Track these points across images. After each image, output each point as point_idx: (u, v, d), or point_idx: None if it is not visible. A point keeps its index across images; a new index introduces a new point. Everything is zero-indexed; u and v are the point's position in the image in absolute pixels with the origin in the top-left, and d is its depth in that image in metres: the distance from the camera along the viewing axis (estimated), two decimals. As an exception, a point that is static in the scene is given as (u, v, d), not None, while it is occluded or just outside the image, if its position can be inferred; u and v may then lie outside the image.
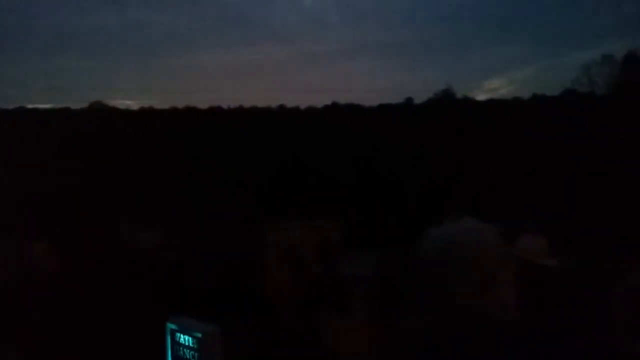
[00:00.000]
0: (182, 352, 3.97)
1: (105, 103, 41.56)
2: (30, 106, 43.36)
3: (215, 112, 42.79)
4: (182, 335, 4.00)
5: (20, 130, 27.83)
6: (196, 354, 3.86)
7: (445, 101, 35.00)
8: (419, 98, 41.69)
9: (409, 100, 40.54)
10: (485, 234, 1.38)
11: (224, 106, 44.24)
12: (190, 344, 3.91)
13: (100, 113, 38.31)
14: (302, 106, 43.13)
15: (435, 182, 17.30)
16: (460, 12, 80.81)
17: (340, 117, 34.82)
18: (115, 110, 41.82)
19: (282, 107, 43.30)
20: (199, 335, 3.89)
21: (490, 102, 41.24)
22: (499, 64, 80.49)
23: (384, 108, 38.52)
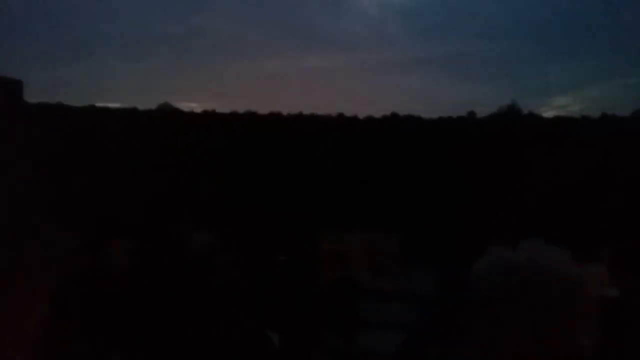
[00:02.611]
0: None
1: (171, 105, 42.89)
2: (99, 104, 45.24)
3: (274, 118, 43.38)
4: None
5: (89, 127, 29.14)
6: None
7: (510, 116, 34.15)
8: (482, 112, 40.70)
9: (471, 114, 39.76)
10: (558, 260, 1.27)
11: (284, 112, 44.76)
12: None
13: (167, 114, 39.58)
14: (361, 115, 43.05)
15: (496, 199, 16.86)
16: (528, 26, 78.74)
17: (399, 128, 34.61)
18: (179, 112, 43.10)
19: (340, 116, 43.36)
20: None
21: (557, 120, 39.90)
22: (568, 80, 77.75)
23: (444, 121, 37.94)
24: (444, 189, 19.51)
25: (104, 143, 24.62)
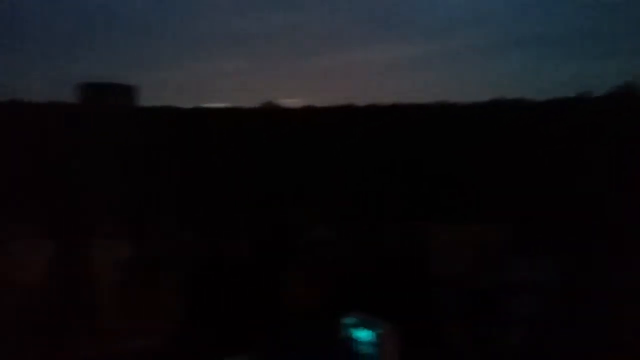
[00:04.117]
0: (358, 347, 4.00)
1: (275, 103, 43.86)
2: (205, 105, 47.32)
3: (373, 109, 43.09)
4: (359, 331, 4.03)
5: (198, 127, 30.64)
6: (375, 350, 3.88)
7: (627, 95, 31.50)
8: (595, 92, 37.88)
9: (583, 94, 37.13)
10: None
11: (383, 103, 44.26)
12: (369, 340, 3.94)
13: (270, 112, 40.64)
14: (463, 102, 41.57)
15: (617, 183, 15.63)
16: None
17: (506, 113, 33.03)
18: (280, 109, 44.00)
19: (442, 104, 42.20)
20: (379, 331, 3.89)
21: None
22: (693, 51, 70.44)
23: (554, 103, 35.67)
24: (558, 175, 18.38)
25: (213, 142, 25.72)
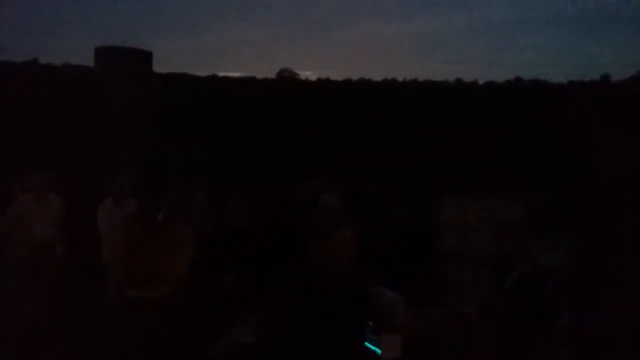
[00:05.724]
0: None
1: (290, 72, 43.68)
2: (221, 74, 47.26)
3: (389, 85, 42.74)
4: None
5: (212, 96, 30.63)
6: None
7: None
8: (618, 75, 37.31)
9: (605, 77, 36.53)
10: None
11: (399, 79, 43.94)
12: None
13: (286, 82, 40.47)
14: (481, 80, 41.16)
15: (634, 168, 15.36)
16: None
17: (523, 93, 32.61)
18: (295, 81, 43.82)
19: (459, 81, 41.78)
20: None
21: None
22: None
23: (575, 85, 35.16)
24: (574, 158, 18.13)
25: (226, 111, 25.70)
